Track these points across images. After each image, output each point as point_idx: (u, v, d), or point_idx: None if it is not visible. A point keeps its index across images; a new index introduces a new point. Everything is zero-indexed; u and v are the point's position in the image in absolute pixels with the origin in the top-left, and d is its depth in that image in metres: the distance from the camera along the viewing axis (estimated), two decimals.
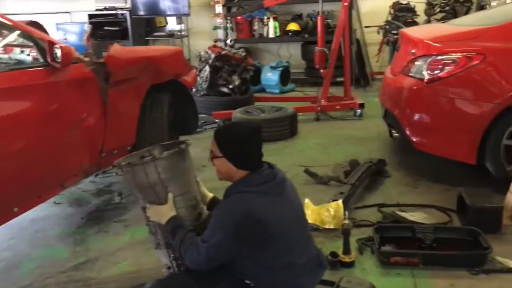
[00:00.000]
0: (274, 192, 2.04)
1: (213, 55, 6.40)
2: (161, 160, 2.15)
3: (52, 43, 2.78)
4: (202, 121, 6.01)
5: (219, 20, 8.43)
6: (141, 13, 8.57)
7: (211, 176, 2.34)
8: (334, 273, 2.59)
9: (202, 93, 6.36)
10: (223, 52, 6.44)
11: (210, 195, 2.39)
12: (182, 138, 3.09)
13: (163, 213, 2.14)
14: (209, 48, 6.58)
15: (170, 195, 2.16)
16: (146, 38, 8.97)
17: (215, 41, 7.51)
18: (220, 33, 8.52)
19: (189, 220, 2.20)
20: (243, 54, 6.67)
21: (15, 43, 3.47)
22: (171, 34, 9.05)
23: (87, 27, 4.32)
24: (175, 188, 2.19)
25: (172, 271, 2.30)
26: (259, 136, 2.12)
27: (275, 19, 8.57)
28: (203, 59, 6.53)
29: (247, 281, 2.04)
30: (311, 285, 2.15)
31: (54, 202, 3.86)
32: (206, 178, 2.52)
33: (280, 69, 7.86)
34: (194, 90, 6.32)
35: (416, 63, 3.76)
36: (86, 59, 3.21)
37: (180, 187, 2.22)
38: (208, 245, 1.98)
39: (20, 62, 3.05)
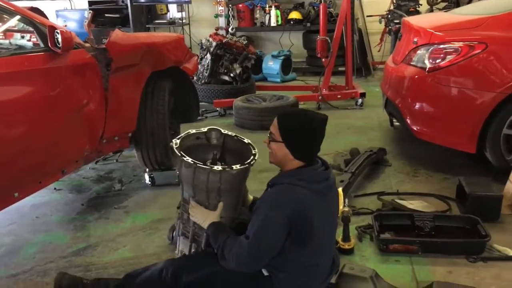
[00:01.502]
0: (323, 192, 2.00)
1: (214, 43, 6.38)
2: (228, 173, 2.07)
3: (53, 28, 2.77)
4: (203, 109, 6.02)
5: (220, 8, 8.42)
6: (142, 0, 8.52)
7: None
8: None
9: (203, 81, 6.35)
10: (225, 40, 6.42)
11: (251, 198, 2.39)
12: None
13: (208, 218, 2.13)
14: (211, 36, 6.56)
15: (221, 205, 2.13)
16: (147, 26, 8.93)
17: (217, 29, 7.48)
18: (222, 21, 8.50)
19: None
20: (245, 42, 6.65)
21: (16, 28, 3.46)
22: (172, 22, 9.01)
23: (88, 13, 4.30)
24: (227, 199, 2.15)
25: None
26: (324, 129, 2.02)
27: (277, 7, 8.53)
28: (204, 47, 6.51)
29: (264, 271, 2.02)
30: (323, 284, 2.15)
31: (55, 188, 3.88)
32: None
33: (282, 58, 7.84)
34: (195, 78, 6.31)
35: (418, 52, 3.75)
36: (87, 45, 3.21)
37: (233, 199, 2.19)
38: (255, 239, 1.92)
39: (20, 47, 3.03)
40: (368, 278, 2.26)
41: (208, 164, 2.17)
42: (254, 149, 2.24)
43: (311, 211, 1.93)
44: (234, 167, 2.10)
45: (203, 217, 2.15)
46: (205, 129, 2.40)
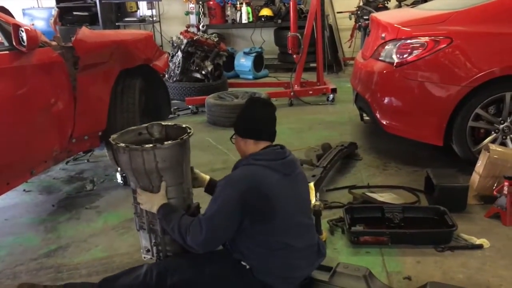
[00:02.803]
0: (282, 171, 2.07)
1: (185, 41, 6.35)
2: (161, 149, 2.11)
3: (17, 26, 2.71)
4: (175, 107, 6.00)
5: (191, 5, 8.37)
6: None
7: None
8: (330, 258, 2.60)
9: (175, 79, 6.32)
10: (196, 38, 6.40)
11: (207, 177, 2.42)
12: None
13: (155, 201, 2.15)
14: (181, 33, 6.52)
15: (164, 184, 2.16)
16: (117, 24, 8.82)
17: (188, 26, 7.45)
18: (193, 19, 8.47)
19: None
20: (216, 39, 6.63)
21: None
22: (143, 20, 8.93)
23: (54, 11, 4.22)
24: (170, 178, 2.17)
25: (151, 255, 2.32)
26: (258, 106, 2.16)
27: (248, 4, 8.54)
28: (175, 44, 6.47)
29: (243, 263, 2.07)
30: (307, 270, 2.18)
31: (24, 190, 3.81)
32: None
33: (254, 54, 7.86)
34: (167, 76, 6.28)
35: (386, 47, 3.81)
36: (54, 43, 3.15)
37: (175, 177, 2.20)
38: (210, 215, 1.99)
39: None
40: (362, 277, 2.25)
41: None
42: (190, 129, 2.31)
43: (268, 187, 1.99)
44: (165, 142, 2.15)
45: (150, 202, 2.17)
46: (146, 125, 2.44)
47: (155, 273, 2.10)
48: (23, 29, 2.70)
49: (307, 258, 2.15)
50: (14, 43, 2.73)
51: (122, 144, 2.15)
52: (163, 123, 2.45)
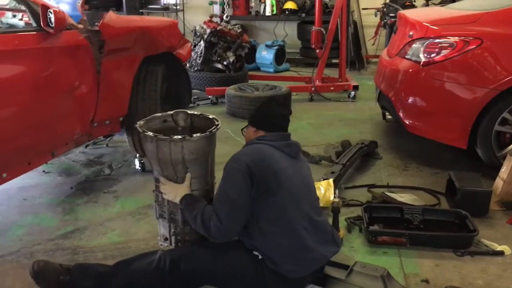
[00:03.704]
0: (287, 152, 2.15)
1: (208, 30, 6.33)
2: (189, 141, 2.11)
3: (46, 7, 2.72)
4: (195, 97, 5.99)
5: None
6: None
7: None
8: (346, 257, 2.61)
9: (196, 68, 6.31)
10: (219, 28, 6.37)
11: None
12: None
13: (178, 192, 2.16)
14: (205, 23, 6.50)
15: (189, 176, 2.16)
16: (141, 11, 8.84)
17: (211, 16, 7.42)
18: (216, 9, 8.45)
19: None
20: (239, 30, 6.60)
21: (7, 7, 3.40)
22: (166, 8, 8.93)
23: None
24: (195, 170, 2.17)
25: (169, 243, 2.32)
26: (275, 104, 2.36)
27: None
28: (198, 34, 6.45)
29: (256, 253, 2.08)
30: (320, 254, 2.14)
31: (43, 171, 3.84)
32: None
33: (276, 48, 7.81)
34: (188, 65, 6.27)
35: (413, 45, 3.74)
36: (80, 26, 3.16)
37: (200, 170, 2.20)
38: (220, 191, 2.04)
39: (12, 26, 2.98)
40: (379, 277, 2.20)
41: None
42: (217, 121, 2.31)
43: (272, 160, 2.07)
44: (194, 135, 2.15)
45: (174, 192, 2.18)
46: (171, 112, 2.43)
47: (169, 260, 2.11)
48: (51, 11, 2.70)
49: (319, 242, 2.13)
50: (42, 24, 2.74)
51: (150, 133, 2.14)
52: (189, 112, 2.44)
